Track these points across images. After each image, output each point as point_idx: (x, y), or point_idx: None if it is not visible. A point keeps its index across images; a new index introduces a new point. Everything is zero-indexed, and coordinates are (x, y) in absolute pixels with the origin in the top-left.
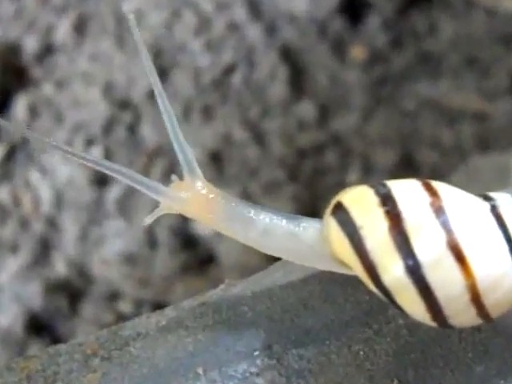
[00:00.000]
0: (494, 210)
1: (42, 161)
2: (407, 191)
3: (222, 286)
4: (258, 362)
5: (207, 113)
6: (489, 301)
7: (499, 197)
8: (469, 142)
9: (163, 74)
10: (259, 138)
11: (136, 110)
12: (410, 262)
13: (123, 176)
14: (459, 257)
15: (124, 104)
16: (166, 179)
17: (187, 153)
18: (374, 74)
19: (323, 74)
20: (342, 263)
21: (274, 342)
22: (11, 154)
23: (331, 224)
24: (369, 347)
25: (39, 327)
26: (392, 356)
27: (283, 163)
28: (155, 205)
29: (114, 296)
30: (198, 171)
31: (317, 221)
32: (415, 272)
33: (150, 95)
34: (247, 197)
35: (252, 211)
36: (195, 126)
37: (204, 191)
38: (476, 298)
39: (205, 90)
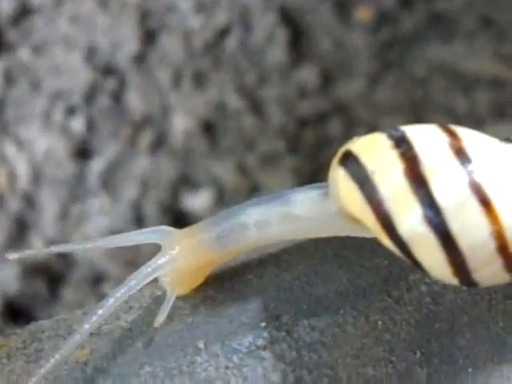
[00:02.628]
0: None
1: (18, 132)
2: (423, 133)
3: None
4: (265, 334)
5: (199, 79)
6: None
7: None
8: (484, 109)
9: (151, 37)
10: (256, 106)
11: (121, 77)
12: (429, 208)
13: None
14: (484, 200)
15: (108, 70)
16: (153, 151)
17: (146, 232)
18: (381, 36)
19: (326, 37)
20: (353, 219)
21: (282, 312)
22: None
23: (339, 174)
24: (388, 317)
25: (16, 313)
26: (414, 326)
27: (282, 133)
28: (143, 178)
29: (97, 279)
30: (166, 230)
31: (310, 188)
32: (435, 218)
33: (136, 60)
34: (244, 170)
35: (236, 215)
36: (186, 94)
37: (184, 241)
38: (503, 247)
39: (196, 54)
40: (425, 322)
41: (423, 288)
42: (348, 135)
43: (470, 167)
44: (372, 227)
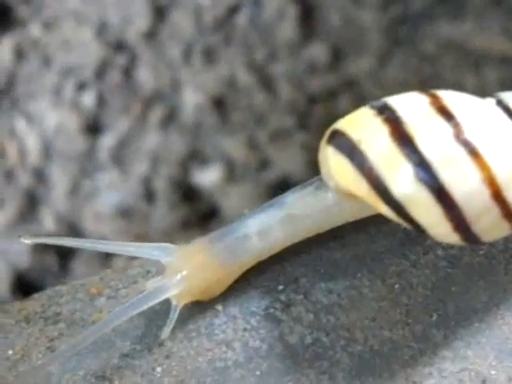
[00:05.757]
0: (501, 103)
1: (29, 107)
2: (404, 98)
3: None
4: (283, 297)
5: (209, 55)
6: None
7: (504, 94)
8: (492, 86)
9: (162, 13)
10: (266, 82)
11: (131, 53)
12: (419, 165)
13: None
14: (471, 150)
15: (118, 46)
16: (164, 126)
17: (152, 246)
18: (391, 13)
19: (336, 14)
20: (349, 196)
21: (300, 275)
22: None
23: (328, 153)
24: (405, 280)
25: (26, 287)
26: (430, 289)
27: (292, 109)
28: (153, 154)
29: (107, 253)
30: (168, 247)
31: (301, 187)
32: (426, 174)
33: (147, 36)
34: (254, 145)
35: (237, 228)
36: (197, 70)
37: (190, 260)
38: (497, 193)
39: (207, 30)
40: (441, 285)
41: (440, 251)
42: None
43: (453, 121)
44: (367, 197)
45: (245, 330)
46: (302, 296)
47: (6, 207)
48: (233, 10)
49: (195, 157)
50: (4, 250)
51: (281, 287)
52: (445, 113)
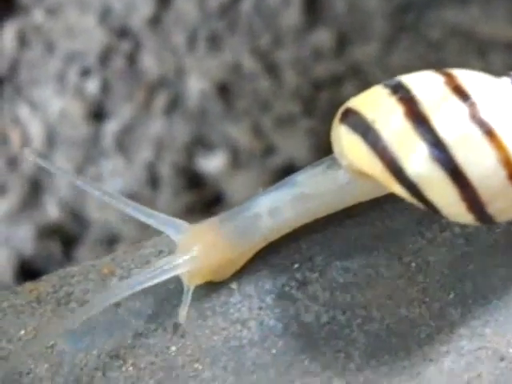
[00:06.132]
0: None
1: (32, 94)
2: (419, 77)
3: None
4: (298, 275)
5: (214, 41)
6: None
7: None
8: (500, 74)
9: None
10: (271, 68)
11: (135, 39)
12: (434, 145)
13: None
14: (487, 130)
15: (122, 32)
16: (168, 113)
17: (166, 219)
18: None
19: (341, 0)
20: (362, 175)
21: (315, 253)
22: None
23: (341, 131)
24: (421, 258)
25: (30, 274)
26: (447, 267)
27: (298, 95)
28: (158, 140)
29: (111, 240)
30: (181, 224)
31: (312, 166)
32: (441, 154)
33: (151, 23)
34: (259, 132)
35: (248, 208)
36: (201, 56)
37: (202, 238)
38: None
39: (211, 16)
40: (458, 263)
41: (457, 229)
42: None
43: (469, 101)
44: (381, 176)
45: (260, 308)
46: (317, 274)
47: (9, 194)
48: None
49: (200, 143)
50: (8, 237)
51: (296, 265)
52: (460, 92)
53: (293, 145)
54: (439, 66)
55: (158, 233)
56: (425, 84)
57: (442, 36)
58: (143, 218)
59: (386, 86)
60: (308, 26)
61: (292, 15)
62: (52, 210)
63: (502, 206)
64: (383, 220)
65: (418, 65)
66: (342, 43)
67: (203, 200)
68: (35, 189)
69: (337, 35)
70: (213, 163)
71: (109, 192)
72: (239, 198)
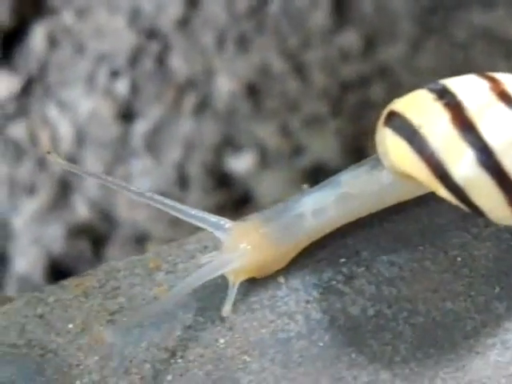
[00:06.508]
0: None
1: (62, 94)
2: (464, 82)
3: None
4: (345, 269)
5: (243, 43)
6: None
7: None
8: None
9: (194, 1)
10: (299, 69)
11: (164, 40)
12: (481, 151)
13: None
14: None
15: (151, 33)
16: (197, 113)
17: (209, 218)
18: (424, 1)
19: (368, 1)
20: (405, 177)
21: (361, 248)
22: (28, 87)
23: (386, 134)
24: (467, 252)
25: (61, 273)
26: (493, 261)
27: (325, 96)
28: (187, 140)
29: (141, 239)
30: (224, 222)
31: (355, 167)
32: (488, 160)
33: (180, 24)
34: (287, 132)
35: (292, 207)
36: (230, 57)
37: (248, 237)
38: None
39: (240, 18)
40: (503, 258)
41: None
42: (390, 98)
43: None
44: (426, 180)
45: (307, 302)
46: (363, 268)
47: (39, 194)
48: None
49: (228, 143)
50: (38, 237)
51: (343, 260)
52: (506, 98)
53: (320, 145)
54: (466, 67)
55: (190, 231)
56: (470, 89)
57: (469, 37)
58: (184, 217)
59: (431, 90)
60: (336, 28)
61: (320, 16)
62: (81, 210)
63: None
64: (429, 215)
65: (444, 66)
66: (370, 44)
67: (232, 200)
68: (64, 188)
69: (364, 36)
70: (241, 163)
71: (149, 193)
72: (268, 198)
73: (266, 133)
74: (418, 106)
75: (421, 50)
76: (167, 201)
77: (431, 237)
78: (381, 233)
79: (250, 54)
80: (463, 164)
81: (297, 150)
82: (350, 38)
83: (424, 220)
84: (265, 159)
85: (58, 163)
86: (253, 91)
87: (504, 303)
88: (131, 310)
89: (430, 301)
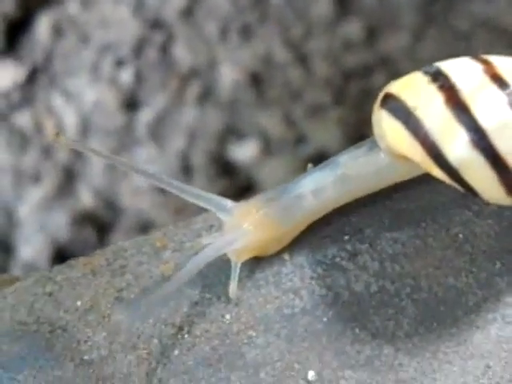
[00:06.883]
0: None
1: (67, 84)
2: (458, 64)
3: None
4: (349, 246)
5: (246, 32)
6: None
7: None
8: None
9: None
10: (302, 58)
11: (168, 30)
12: (475, 131)
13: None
14: None
15: (156, 23)
16: (201, 102)
17: (212, 199)
18: None
19: None
20: (401, 158)
21: (365, 225)
22: (33, 76)
23: (382, 116)
24: (469, 229)
25: (66, 260)
26: (494, 238)
27: (328, 85)
28: (190, 129)
29: (145, 226)
30: (226, 203)
31: (354, 148)
32: (481, 141)
33: (184, 14)
34: (290, 121)
35: (293, 188)
36: (233, 47)
37: (250, 216)
38: None
39: (243, 8)
40: (505, 234)
41: None
42: None
43: (508, 89)
44: (421, 161)
45: (312, 278)
46: (367, 245)
47: (44, 182)
48: None
49: (232, 132)
50: (43, 224)
51: (346, 237)
52: (499, 80)
53: (323, 133)
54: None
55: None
56: (464, 71)
57: (470, 27)
58: (188, 197)
59: (426, 73)
60: (338, 18)
61: (322, 6)
62: (86, 198)
63: None
64: (430, 193)
65: (446, 55)
66: (372, 34)
67: (235, 187)
68: (69, 177)
69: (367, 26)
70: (245, 151)
71: (152, 173)
72: (271, 186)
73: (269, 121)
74: (413, 88)
75: (422, 39)
76: (172, 181)
77: (433, 214)
78: (384, 210)
79: (254, 43)
80: (457, 145)
81: (300, 139)
82: (353, 28)
83: (426, 198)
84: (268, 147)
85: (67, 144)
86: (256, 80)
87: (505, 279)
88: (138, 287)
89: (433, 277)
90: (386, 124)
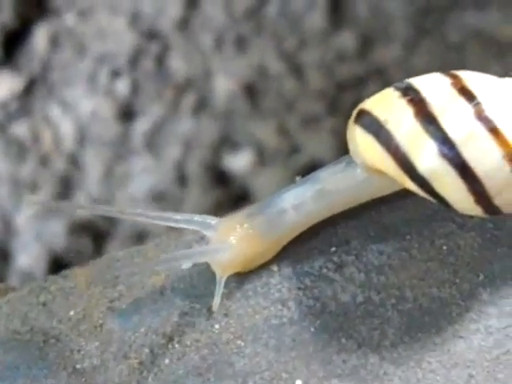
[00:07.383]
0: None
1: (64, 94)
2: (427, 79)
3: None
4: (335, 258)
5: (241, 44)
6: None
7: None
8: None
9: (193, 3)
10: (296, 69)
11: (164, 41)
12: (443, 142)
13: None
14: (491, 128)
15: (151, 34)
16: (196, 112)
17: (195, 220)
18: (418, 3)
19: (364, 3)
20: (376, 172)
21: (351, 237)
22: (30, 86)
23: (356, 131)
24: (452, 241)
25: (62, 269)
26: (477, 250)
27: (322, 96)
28: (186, 139)
29: (141, 236)
30: (210, 220)
31: (334, 163)
32: (449, 151)
33: (179, 25)
34: (284, 131)
35: (274, 202)
36: (228, 58)
37: (233, 231)
38: None
39: (238, 19)
40: (487, 246)
41: None
42: None
43: (474, 101)
44: (394, 174)
45: (299, 289)
46: (353, 257)
47: (41, 191)
48: (263, 0)
49: (227, 142)
50: (40, 233)
51: (333, 249)
52: (466, 93)
53: (317, 144)
54: (459, 68)
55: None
56: (433, 86)
57: (463, 39)
58: (172, 224)
59: (397, 88)
60: (332, 29)
61: (316, 18)
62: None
63: (508, 199)
64: (415, 206)
65: (438, 66)
66: (365, 45)
67: (230, 197)
68: (66, 186)
69: (360, 38)
70: (239, 161)
71: (131, 210)
72: (265, 195)
73: (264, 132)
74: (385, 103)
75: (415, 50)
76: (151, 213)
77: (418, 227)
78: (370, 223)
79: (248, 54)
80: (426, 155)
81: (294, 149)
82: (346, 39)
83: (411, 210)
84: (262, 157)
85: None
86: (251, 91)
87: (488, 290)
88: (130, 297)
89: (417, 288)
90: (359, 139)
